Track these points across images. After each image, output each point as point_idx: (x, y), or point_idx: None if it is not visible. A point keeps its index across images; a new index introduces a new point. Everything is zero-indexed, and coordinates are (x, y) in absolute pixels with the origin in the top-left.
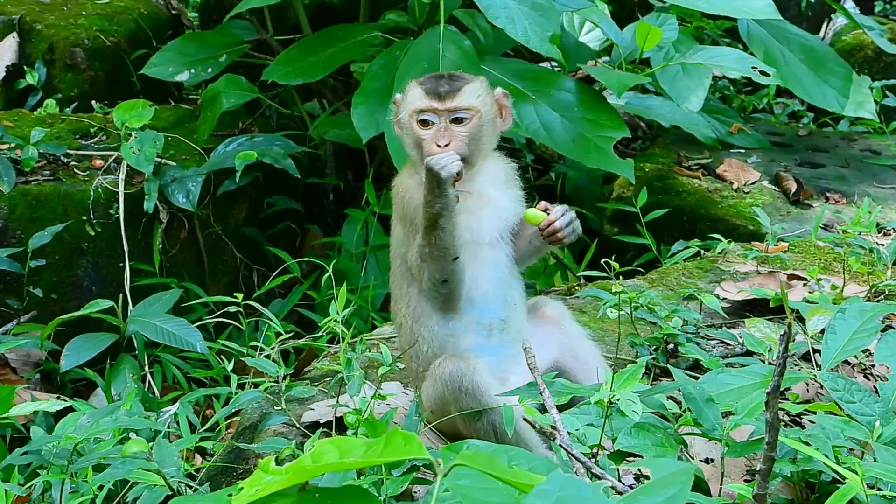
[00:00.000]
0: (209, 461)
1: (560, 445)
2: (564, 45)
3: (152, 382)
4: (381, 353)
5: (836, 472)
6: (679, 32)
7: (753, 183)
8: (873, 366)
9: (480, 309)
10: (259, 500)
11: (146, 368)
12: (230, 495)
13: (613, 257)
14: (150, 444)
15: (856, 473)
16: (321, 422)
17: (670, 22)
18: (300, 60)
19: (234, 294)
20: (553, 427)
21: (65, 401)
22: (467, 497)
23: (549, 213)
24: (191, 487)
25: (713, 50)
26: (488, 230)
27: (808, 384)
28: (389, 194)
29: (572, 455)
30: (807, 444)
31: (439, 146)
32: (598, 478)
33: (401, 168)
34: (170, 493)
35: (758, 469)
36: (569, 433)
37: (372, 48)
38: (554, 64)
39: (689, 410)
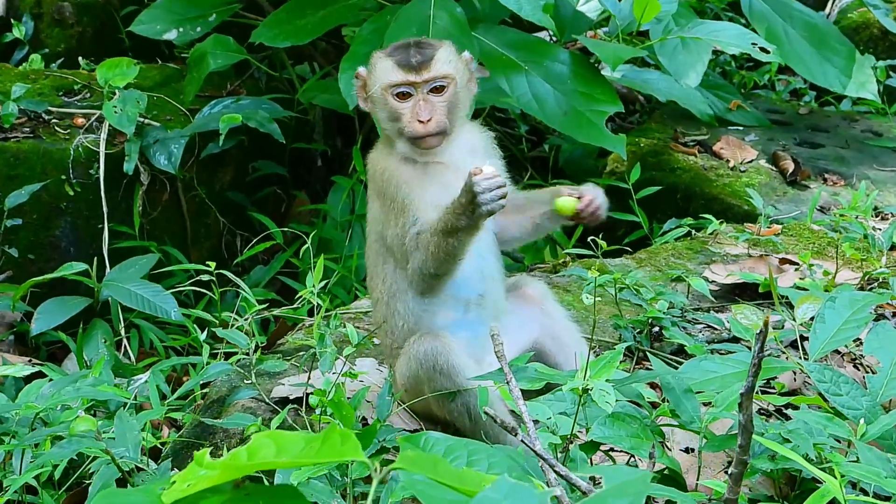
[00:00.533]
0: (178, 433)
1: (522, 441)
2: (561, 15)
3: (128, 348)
4: (356, 328)
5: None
6: (679, 5)
7: (750, 161)
8: (864, 356)
9: (458, 285)
10: (191, 496)
11: (122, 333)
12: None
13: (604, 234)
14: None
15: (834, 474)
16: (290, 398)
17: None
18: (288, 23)
19: (211, 261)
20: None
21: (37, 364)
22: (422, 494)
23: (581, 198)
24: (141, 469)
25: (713, 24)
26: None
27: (795, 373)
28: None
29: (535, 452)
30: (787, 440)
31: (421, 121)
32: (561, 476)
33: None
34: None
35: (729, 473)
36: (539, 422)
37: (364, 12)
38: (551, 35)
39: (667, 401)
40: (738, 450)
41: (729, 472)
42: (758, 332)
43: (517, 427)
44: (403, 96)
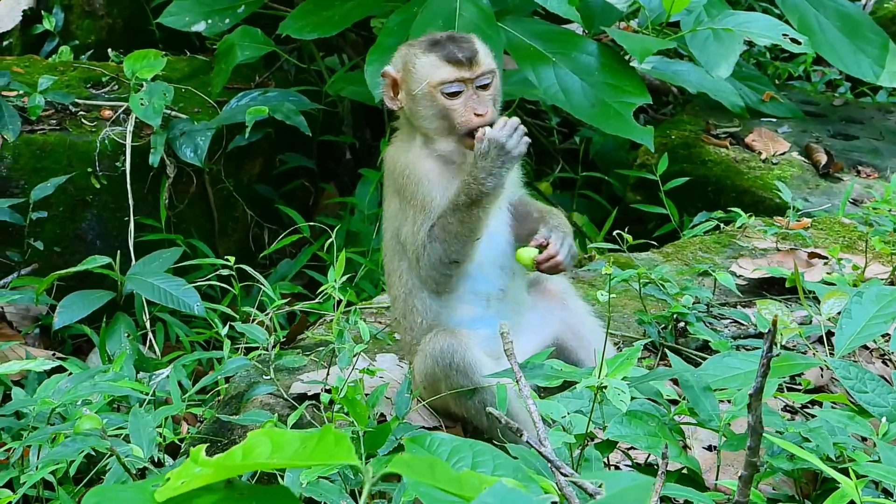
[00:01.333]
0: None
1: (527, 443)
2: (591, 6)
3: (153, 342)
4: (377, 324)
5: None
6: None
7: (783, 154)
8: (893, 352)
9: (476, 280)
10: (183, 494)
11: (147, 327)
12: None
13: (634, 227)
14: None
15: (855, 474)
16: (309, 394)
17: None
18: (315, 14)
19: (239, 254)
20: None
21: (59, 359)
22: (425, 496)
23: (544, 248)
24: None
25: (744, 15)
26: None
27: (822, 370)
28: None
29: (540, 453)
30: (807, 440)
31: (479, 114)
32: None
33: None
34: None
35: (739, 475)
36: (553, 421)
37: (391, 3)
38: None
39: (685, 399)
40: (748, 451)
41: (739, 475)
42: (766, 331)
43: (521, 428)
44: (454, 94)
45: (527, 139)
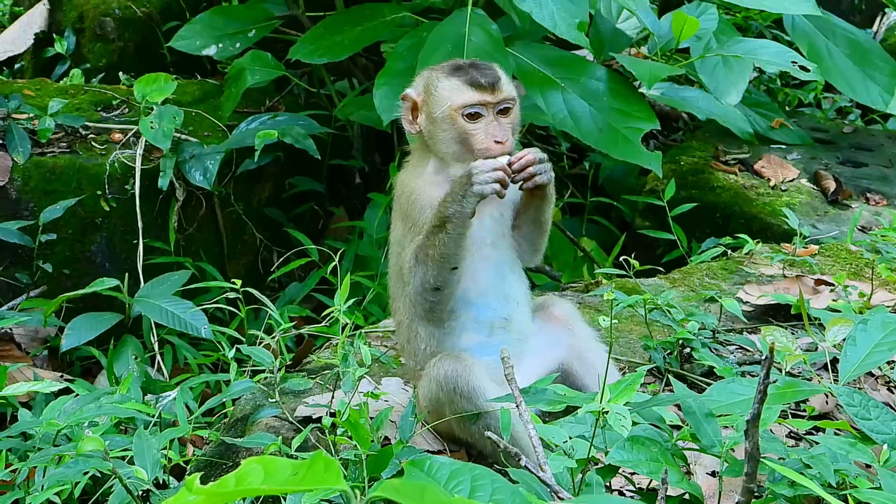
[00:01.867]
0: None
1: (525, 467)
2: (601, 32)
3: (161, 364)
4: (383, 347)
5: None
6: (720, 23)
7: (792, 181)
8: None
9: (478, 308)
10: None
11: (156, 349)
12: None
13: (640, 253)
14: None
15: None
16: (314, 417)
17: (710, 12)
18: (325, 39)
19: (248, 277)
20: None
21: (67, 380)
22: None
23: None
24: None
25: (753, 42)
26: (490, 228)
27: (826, 396)
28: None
29: (538, 477)
30: (808, 466)
31: (499, 142)
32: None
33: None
34: (147, 487)
35: (736, 501)
36: (556, 446)
37: (401, 28)
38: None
39: (688, 425)
40: (745, 478)
41: (736, 502)
42: (764, 357)
43: (520, 452)
44: (474, 117)
45: (495, 186)
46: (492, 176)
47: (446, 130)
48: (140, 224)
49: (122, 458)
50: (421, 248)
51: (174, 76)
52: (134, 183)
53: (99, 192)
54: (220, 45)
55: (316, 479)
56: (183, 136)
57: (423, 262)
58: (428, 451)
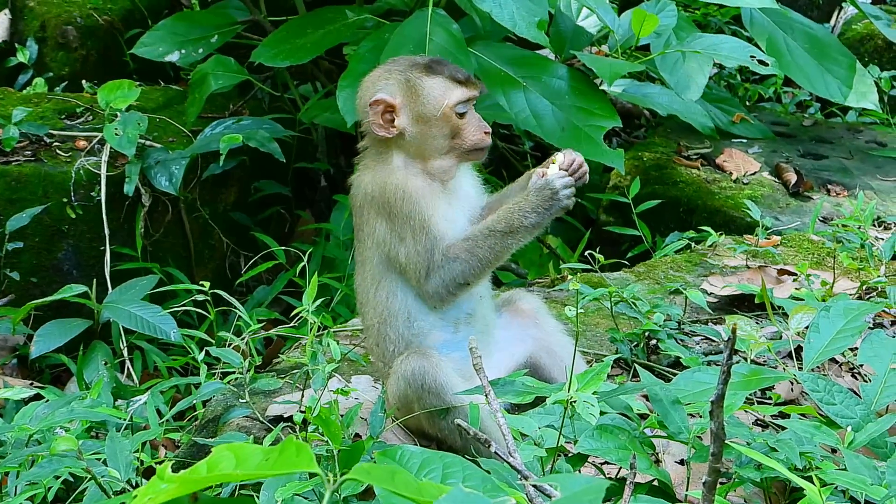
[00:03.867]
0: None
1: (495, 454)
2: (561, 30)
3: (131, 370)
4: (352, 346)
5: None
6: (680, 19)
7: (753, 174)
8: (862, 365)
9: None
10: None
11: (125, 355)
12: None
13: (605, 249)
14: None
15: (821, 482)
16: (285, 416)
17: (669, 8)
18: (287, 42)
19: (216, 281)
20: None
21: (37, 387)
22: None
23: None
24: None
25: (712, 38)
26: (461, 223)
27: (792, 383)
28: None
29: (507, 462)
30: (774, 450)
31: (487, 132)
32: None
33: None
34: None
35: (703, 481)
36: (525, 436)
37: (363, 30)
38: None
39: (655, 413)
40: (711, 458)
41: (703, 481)
42: (726, 339)
43: (489, 439)
44: (463, 114)
45: (573, 200)
46: (570, 191)
47: (441, 128)
48: (107, 231)
49: (95, 460)
50: (467, 248)
51: (137, 83)
52: (100, 190)
53: (65, 200)
54: (183, 51)
55: (288, 463)
56: (148, 143)
57: (464, 259)
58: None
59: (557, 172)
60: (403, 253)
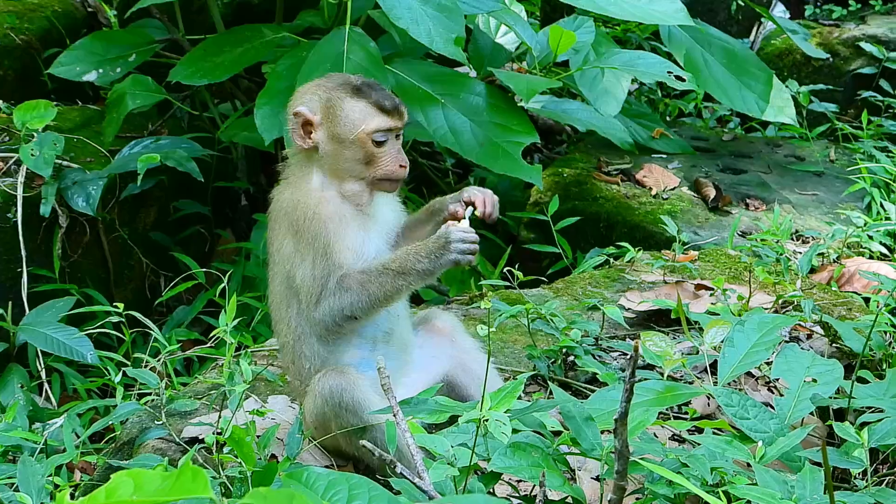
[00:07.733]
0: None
1: (401, 474)
2: (480, 47)
3: (49, 393)
4: (270, 367)
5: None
6: (598, 35)
7: (673, 189)
8: (778, 379)
9: (365, 324)
10: None
11: (43, 377)
12: None
13: (526, 265)
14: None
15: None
16: (200, 437)
17: (587, 25)
18: (206, 60)
19: (135, 302)
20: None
21: None
22: None
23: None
24: None
25: (631, 53)
26: (375, 245)
27: (708, 398)
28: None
29: (413, 483)
30: (686, 465)
31: (402, 166)
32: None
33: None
34: None
35: (608, 499)
36: (439, 455)
37: (281, 49)
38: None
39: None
40: (616, 476)
41: (608, 499)
42: (629, 356)
43: (395, 460)
44: (381, 142)
45: (470, 257)
46: (469, 248)
47: (354, 152)
48: (23, 252)
49: (9, 485)
50: (360, 280)
51: (55, 103)
52: (16, 211)
53: None
54: (101, 71)
55: (184, 489)
56: (65, 163)
57: (355, 291)
58: (314, 467)
59: (459, 230)
60: (300, 274)
